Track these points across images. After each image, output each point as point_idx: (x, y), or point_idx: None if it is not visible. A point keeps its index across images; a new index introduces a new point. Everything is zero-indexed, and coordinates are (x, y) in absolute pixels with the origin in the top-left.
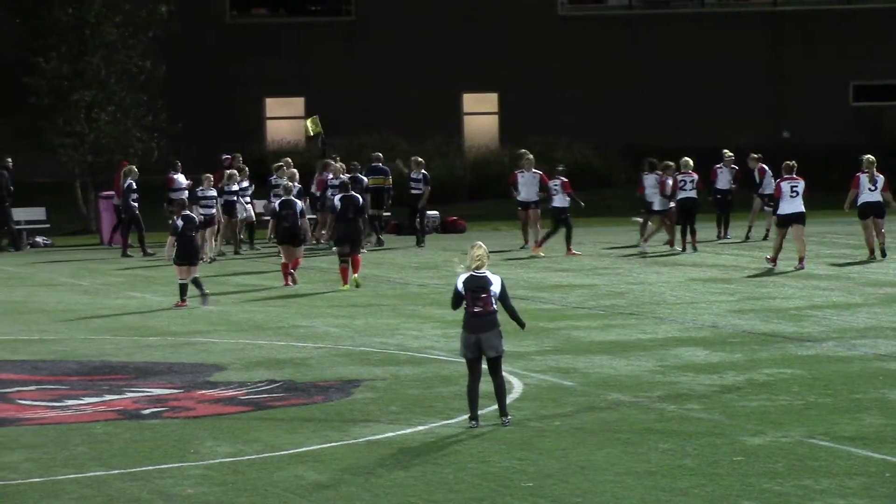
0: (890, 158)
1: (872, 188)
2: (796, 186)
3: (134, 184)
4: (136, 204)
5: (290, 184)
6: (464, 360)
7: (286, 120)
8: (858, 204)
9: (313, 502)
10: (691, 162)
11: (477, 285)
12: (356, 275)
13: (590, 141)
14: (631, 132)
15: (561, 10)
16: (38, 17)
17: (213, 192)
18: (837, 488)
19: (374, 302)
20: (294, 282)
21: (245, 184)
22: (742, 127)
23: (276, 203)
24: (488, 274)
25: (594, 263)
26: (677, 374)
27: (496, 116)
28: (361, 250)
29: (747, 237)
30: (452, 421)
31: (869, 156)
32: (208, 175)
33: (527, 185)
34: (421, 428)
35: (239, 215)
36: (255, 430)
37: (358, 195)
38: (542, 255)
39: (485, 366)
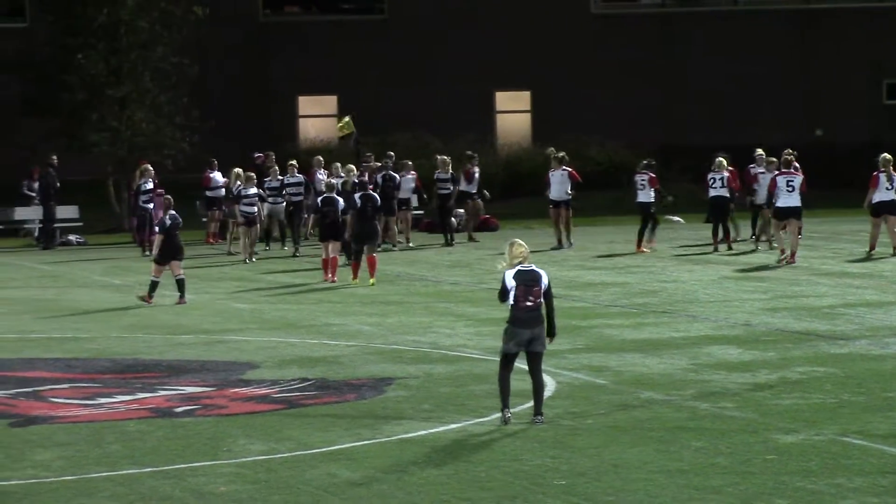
0: None
1: (889, 187)
2: (792, 181)
3: (150, 184)
4: (150, 205)
5: (333, 181)
6: (498, 357)
7: (319, 118)
8: (874, 202)
9: (346, 500)
10: (724, 161)
11: (529, 279)
12: (372, 278)
13: (622, 139)
14: (663, 130)
15: (594, 7)
16: (74, 16)
17: (255, 190)
18: (870, 486)
19: (406, 300)
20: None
21: (275, 183)
22: (774, 125)
23: (319, 199)
24: (536, 267)
25: (627, 262)
26: (710, 373)
27: (529, 114)
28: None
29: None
30: (485, 419)
31: (886, 154)
32: (251, 174)
33: (556, 184)
34: (453, 426)
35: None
36: (288, 428)
37: (376, 196)
38: (648, 250)
39: (521, 364)
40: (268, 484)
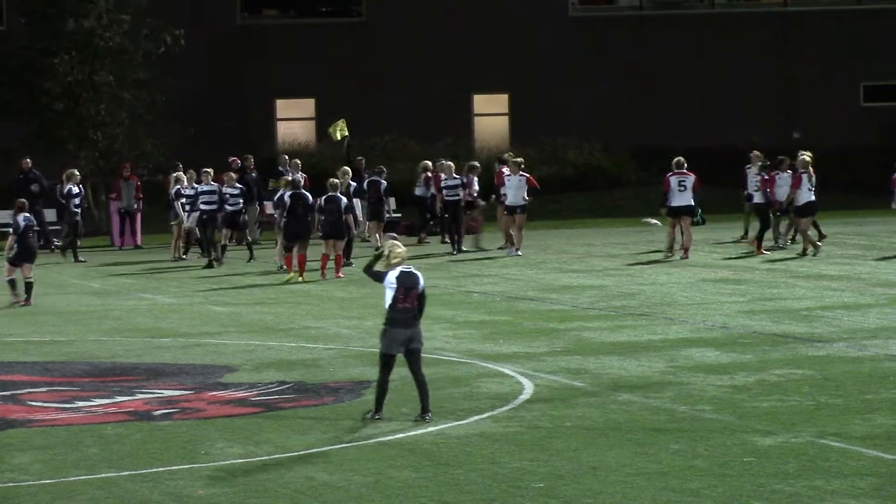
0: None
1: (811, 188)
2: (684, 181)
3: (76, 189)
4: (77, 210)
5: (337, 181)
6: (387, 359)
7: (297, 121)
8: (801, 203)
9: (324, 503)
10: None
11: (411, 282)
12: (301, 276)
13: (600, 142)
14: (641, 133)
15: (572, 10)
16: (48, 20)
17: (237, 190)
18: (848, 489)
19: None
20: (335, 275)
21: (189, 191)
22: (753, 127)
23: (322, 199)
24: (414, 270)
25: (605, 264)
26: (688, 375)
27: (507, 117)
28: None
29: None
30: (463, 422)
31: (806, 156)
32: (231, 173)
33: (514, 189)
34: (431, 429)
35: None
36: (266, 432)
37: (307, 194)
38: (765, 252)
39: (498, 367)
40: (246, 487)
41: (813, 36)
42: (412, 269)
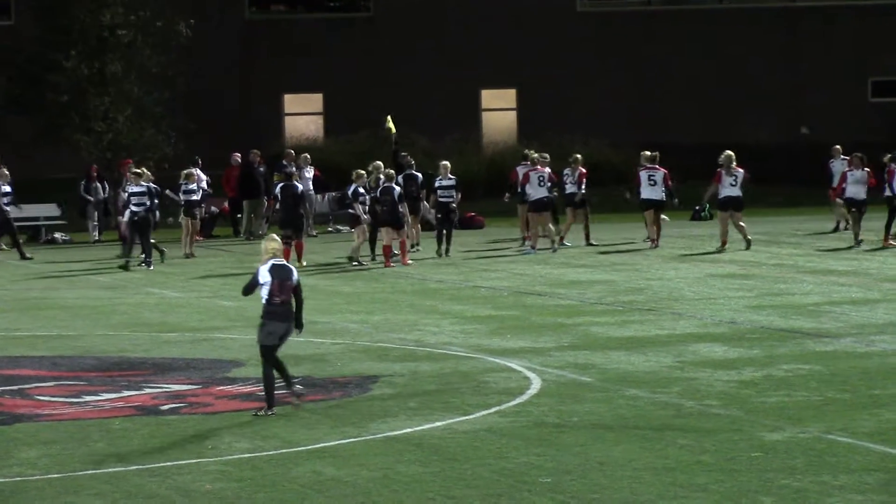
0: None
1: (733, 183)
2: (654, 175)
3: (6, 187)
4: (7, 208)
5: (392, 172)
6: (267, 351)
7: (304, 116)
8: (720, 197)
9: (331, 498)
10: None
11: (285, 274)
12: (302, 261)
13: (607, 137)
14: (649, 128)
15: (580, 6)
16: (57, 15)
17: (142, 189)
18: (856, 484)
19: (392, 298)
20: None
21: (124, 194)
22: (760, 123)
23: (378, 190)
24: (288, 263)
25: (612, 259)
26: (695, 370)
27: (514, 112)
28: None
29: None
30: (471, 417)
31: (728, 151)
32: (136, 171)
33: (535, 185)
34: (439, 424)
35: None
36: (274, 426)
37: (298, 185)
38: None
39: (507, 362)
40: (253, 481)
41: (821, 31)
42: (285, 262)
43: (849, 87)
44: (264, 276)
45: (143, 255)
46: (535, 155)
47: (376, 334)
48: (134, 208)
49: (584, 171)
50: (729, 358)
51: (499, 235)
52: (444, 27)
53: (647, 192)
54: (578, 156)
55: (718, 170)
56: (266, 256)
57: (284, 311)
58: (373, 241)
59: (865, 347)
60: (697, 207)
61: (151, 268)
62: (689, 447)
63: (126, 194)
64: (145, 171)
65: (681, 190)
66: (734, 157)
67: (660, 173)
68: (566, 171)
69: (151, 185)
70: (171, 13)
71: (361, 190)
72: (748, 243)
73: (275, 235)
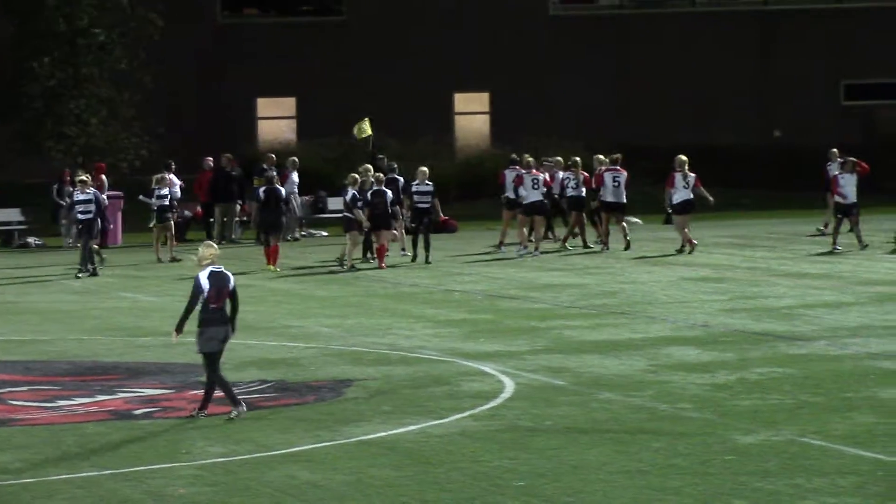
0: (883, 157)
1: (686, 185)
2: (618, 178)
3: None
4: None
5: (382, 175)
6: (209, 357)
7: (278, 120)
8: (675, 202)
9: (306, 502)
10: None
11: (222, 282)
12: (275, 265)
13: (581, 140)
14: (621, 131)
15: (552, 9)
16: (31, 22)
17: (88, 196)
18: (829, 487)
19: (365, 301)
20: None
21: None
22: (733, 126)
23: (369, 193)
24: (224, 269)
25: (585, 262)
26: (669, 374)
27: (487, 116)
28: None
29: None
30: (444, 420)
31: (681, 155)
32: (83, 177)
33: (530, 188)
34: (413, 427)
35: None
36: (247, 431)
37: (280, 188)
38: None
39: (479, 365)
40: (227, 486)
41: (793, 34)
42: (223, 269)
43: (821, 89)
44: (204, 283)
45: (83, 263)
46: (531, 159)
47: (350, 338)
48: (80, 216)
49: (586, 174)
50: (702, 361)
51: (473, 238)
52: (417, 31)
53: (611, 195)
54: (577, 158)
55: (671, 174)
56: (204, 263)
57: (220, 316)
58: (367, 243)
59: (838, 350)
60: (670, 211)
61: (98, 275)
62: (663, 450)
63: (70, 200)
64: (90, 178)
65: (652, 193)
66: (687, 161)
67: (623, 175)
68: (567, 174)
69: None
70: (144, 12)
71: (358, 195)
72: (692, 247)
73: (211, 242)
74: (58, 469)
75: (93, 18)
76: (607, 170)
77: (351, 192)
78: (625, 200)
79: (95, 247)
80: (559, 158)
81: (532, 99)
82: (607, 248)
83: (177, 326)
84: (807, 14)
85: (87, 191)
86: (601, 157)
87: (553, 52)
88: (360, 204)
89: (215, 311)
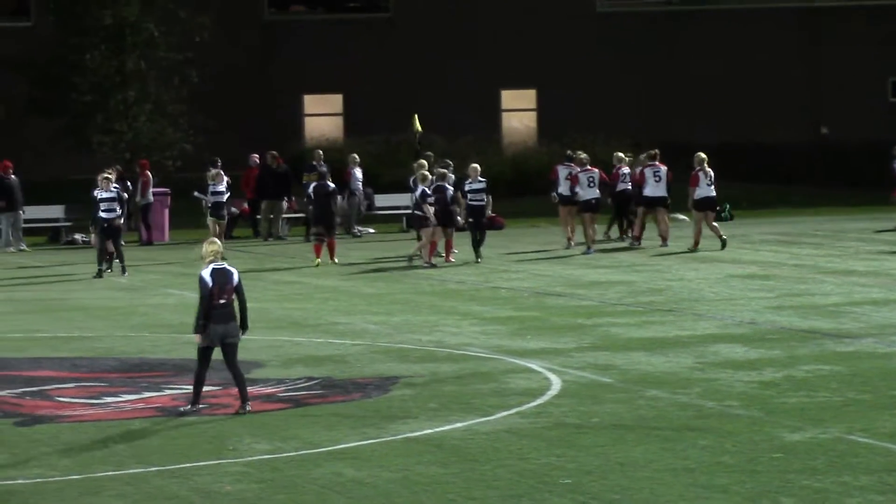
0: None
1: (709, 183)
2: (658, 172)
3: None
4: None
5: (446, 171)
6: (204, 352)
7: (324, 117)
8: (696, 198)
9: (351, 499)
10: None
11: (224, 279)
12: (335, 258)
13: (627, 137)
14: (668, 128)
15: (599, 6)
16: (77, 16)
17: (112, 194)
18: (876, 485)
19: (412, 299)
20: (447, 260)
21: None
22: (781, 124)
23: (431, 188)
24: (228, 265)
25: (632, 260)
26: (716, 371)
27: (534, 113)
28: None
29: None
30: (491, 417)
31: (701, 153)
32: (107, 175)
33: (585, 185)
34: (459, 425)
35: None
36: (294, 428)
37: (331, 184)
38: None
39: (526, 363)
40: (273, 483)
41: (841, 31)
42: (225, 266)
43: (869, 86)
44: (209, 279)
45: (119, 263)
46: (584, 155)
47: (396, 335)
48: (103, 214)
49: (602, 172)
50: (749, 358)
51: (519, 236)
52: (464, 27)
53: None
54: (620, 154)
55: (695, 172)
56: (207, 260)
57: (224, 313)
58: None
59: (886, 348)
60: (718, 208)
61: (127, 274)
62: (710, 448)
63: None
64: (113, 175)
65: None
66: (707, 159)
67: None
68: (625, 170)
69: (121, 190)
70: (193, 9)
71: (428, 191)
72: (724, 243)
73: (215, 239)
74: (105, 466)
75: (139, 13)
76: (647, 166)
77: (421, 188)
78: (666, 194)
79: (112, 250)
80: (620, 154)
81: (579, 96)
82: (639, 244)
83: (195, 328)
84: (854, 10)
85: (112, 188)
86: (620, 154)
87: (600, 49)
88: (430, 200)
89: (217, 308)
